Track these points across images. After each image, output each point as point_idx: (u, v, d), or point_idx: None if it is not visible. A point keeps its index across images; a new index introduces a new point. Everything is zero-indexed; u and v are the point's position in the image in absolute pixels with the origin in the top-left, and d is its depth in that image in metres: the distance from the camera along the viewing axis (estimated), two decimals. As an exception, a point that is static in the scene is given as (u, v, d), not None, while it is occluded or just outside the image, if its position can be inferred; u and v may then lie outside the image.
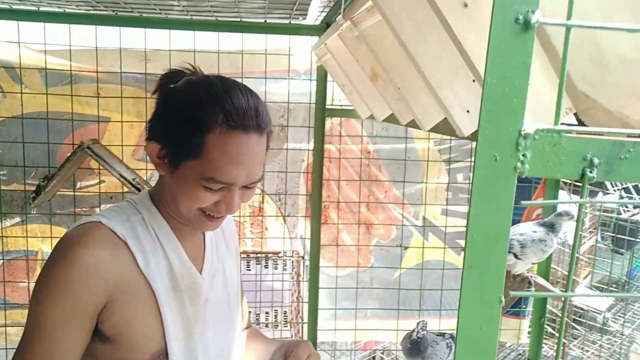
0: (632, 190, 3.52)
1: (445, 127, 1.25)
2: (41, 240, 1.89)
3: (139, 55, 1.84)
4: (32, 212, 1.87)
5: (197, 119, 0.79)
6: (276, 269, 2.24)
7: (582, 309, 2.97)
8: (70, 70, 1.81)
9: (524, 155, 0.46)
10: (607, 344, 2.83)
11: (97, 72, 1.82)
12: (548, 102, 0.55)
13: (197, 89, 0.82)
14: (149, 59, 1.84)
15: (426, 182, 2.04)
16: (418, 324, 1.73)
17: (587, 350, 2.72)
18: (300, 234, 2.03)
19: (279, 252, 2.02)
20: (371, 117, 1.85)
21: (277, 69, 1.91)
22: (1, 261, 1.89)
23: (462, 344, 0.48)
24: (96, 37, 1.79)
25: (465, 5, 0.70)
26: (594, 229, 3.21)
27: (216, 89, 0.81)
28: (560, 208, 1.97)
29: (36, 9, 1.71)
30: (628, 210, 3.28)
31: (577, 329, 2.77)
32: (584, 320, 2.86)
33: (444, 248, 2.09)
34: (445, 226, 2.07)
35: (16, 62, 1.78)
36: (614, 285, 3.19)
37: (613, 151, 0.47)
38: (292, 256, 2.03)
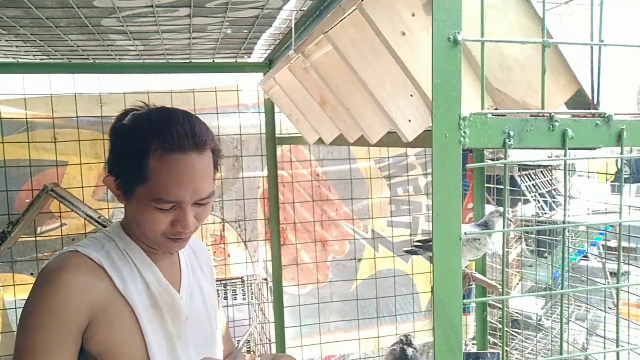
0: (547, 195, 3.95)
1: (388, 140, 1.46)
2: (3, 289, 1.87)
3: (94, 100, 1.93)
4: (-10, 262, 1.86)
5: (138, 147, 0.88)
6: (235, 299, 2.32)
7: (518, 313, 3.26)
8: (26, 118, 1.86)
9: (464, 132, 0.66)
10: (542, 340, 3.14)
11: (52, 117, 1.88)
12: (473, 96, 0.75)
13: (138, 121, 0.91)
14: (104, 103, 1.93)
15: (371, 198, 2.24)
16: (407, 337, 1.80)
17: (526, 348, 3.00)
18: (262, 257, 2.15)
19: (243, 277, 2.12)
20: (319, 141, 2.04)
21: (227, 104, 2.06)
22: (-42, 315, 1.85)
23: (438, 271, 0.65)
24: (50, 84, 1.86)
25: (403, 33, 0.91)
26: (519, 237, 3.57)
27: (154, 117, 0.91)
28: (488, 210, 2.24)
29: (-10, 61, 1.76)
30: (545, 213, 3.68)
31: (515, 331, 3.04)
32: (521, 319, 3.15)
33: (393, 257, 2.28)
34: (392, 236, 2.27)
35: (-31, 114, 1.81)
36: (543, 288, 3.52)
37: (522, 126, 0.68)
38: (255, 279, 2.13)
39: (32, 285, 0.90)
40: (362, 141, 1.67)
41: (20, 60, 1.81)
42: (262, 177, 2.11)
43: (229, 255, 2.10)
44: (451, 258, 0.65)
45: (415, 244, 2.03)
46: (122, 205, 0.98)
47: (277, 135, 2.08)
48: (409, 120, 1.16)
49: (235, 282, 2.08)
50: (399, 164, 2.28)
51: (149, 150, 0.87)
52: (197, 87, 2.04)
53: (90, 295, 0.89)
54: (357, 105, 1.35)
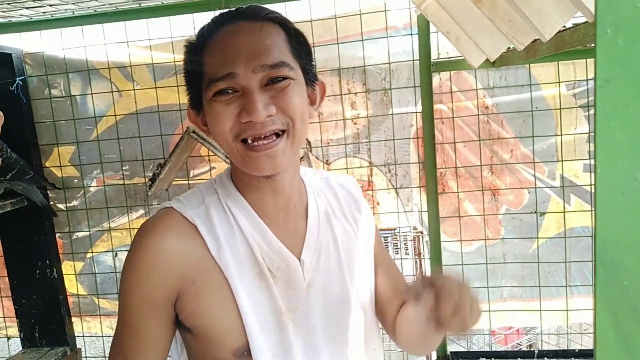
0: None
1: (571, 38, 1.01)
2: (163, 229, 1.96)
3: (234, 38, 1.83)
4: (153, 204, 1.96)
5: (197, 51, 0.78)
6: (397, 253, 2.08)
7: None
8: (174, 62, 1.87)
9: None
10: None
11: (197, 60, 1.84)
12: None
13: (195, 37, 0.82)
14: (244, 39, 1.82)
15: (561, 135, 1.73)
16: None
17: None
18: (416, 207, 1.85)
19: (395, 229, 1.87)
20: (485, 64, 1.63)
21: (374, 28, 1.77)
22: (132, 252, 2.01)
23: (604, 203, 0.30)
24: (193, 23, 1.82)
25: None
26: None
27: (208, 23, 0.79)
28: None
29: (138, 5, 1.78)
30: None
31: None
32: None
33: (591, 211, 1.75)
34: (591, 185, 1.74)
35: (127, 61, 1.88)
36: None
37: None
38: (410, 232, 1.86)
39: None
40: (537, 49, 1.23)
41: (164, 2, 1.79)
42: (416, 113, 1.79)
43: (378, 204, 1.85)
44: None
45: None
46: None
47: (433, 61, 1.72)
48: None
49: (386, 234, 1.84)
50: (603, 88, 1.71)
51: (201, 43, 0.77)
52: (339, 13, 1.79)
53: (178, 263, 0.76)
54: (519, -16, 0.94)
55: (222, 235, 0.78)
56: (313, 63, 0.82)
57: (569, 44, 1.01)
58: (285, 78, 0.74)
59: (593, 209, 1.74)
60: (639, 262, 0.28)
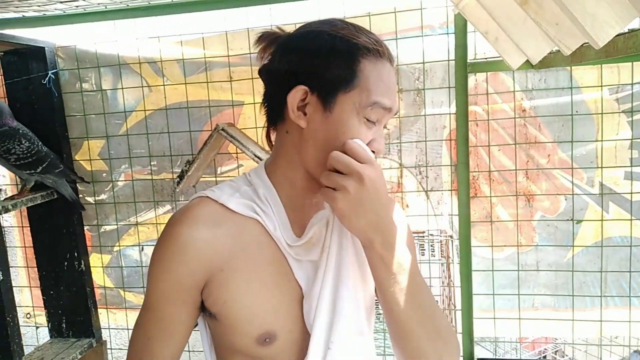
0: None
1: (625, 44, 0.95)
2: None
3: (265, 34, 1.80)
4: (180, 199, 1.95)
5: (351, 48, 0.77)
6: (423, 255, 2.04)
7: None
8: (204, 58, 1.85)
9: None
10: None
11: (228, 56, 1.83)
12: None
13: (334, 25, 0.79)
14: (276, 36, 1.79)
15: (601, 140, 1.67)
16: None
17: None
18: (447, 211, 1.81)
19: (424, 232, 1.83)
20: (525, 65, 1.57)
21: (409, 27, 1.72)
22: (158, 247, 2.01)
23: None
24: (225, 19, 1.80)
25: None
26: None
27: (349, 24, 0.80)
28: None
29: (170, 0, 1.77)
30: None
31: None
32: None
33: (631, 220, 1.68)
34: (631, 193, 1.67)
35: (157, 57, 1.87)
36: None
37: None
38: (439, 235, 1.81)
39: None
40: (583, 54, 1.17)
41: (196, -3, 1.77)
42: (450, 114, 1.74)
43: (407, 206, 1.82)
44: None
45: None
46: None
47: (469, 61, 1.66)
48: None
49: (414, 237, 1.80)
50: (649, 93, 1.63)
51: (363, 50, 0.77)
52: (373, 11, 1.75)
53: (206, 253, 0.78)
54: (573, -13, 0.89)
55: (259, 220, 0.81)
56: None
57: (622, 51, 0.95)
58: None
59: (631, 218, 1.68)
60: None
